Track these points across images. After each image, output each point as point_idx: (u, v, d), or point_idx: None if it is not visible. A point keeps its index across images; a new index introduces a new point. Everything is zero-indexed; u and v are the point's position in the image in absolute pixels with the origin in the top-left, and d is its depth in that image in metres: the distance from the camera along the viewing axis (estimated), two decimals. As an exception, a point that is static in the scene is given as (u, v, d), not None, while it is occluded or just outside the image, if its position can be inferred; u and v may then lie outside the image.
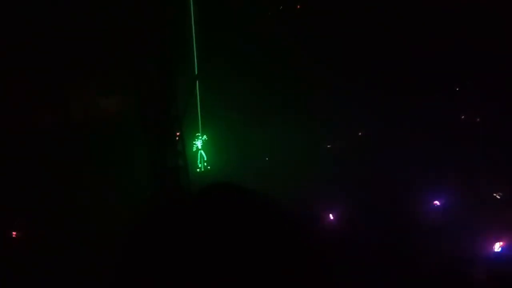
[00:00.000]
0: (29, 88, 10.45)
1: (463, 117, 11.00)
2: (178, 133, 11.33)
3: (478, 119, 10.78)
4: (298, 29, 11.31)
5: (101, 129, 10.82)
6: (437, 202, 10.07)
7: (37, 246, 9.67)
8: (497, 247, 9.25)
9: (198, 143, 11.43)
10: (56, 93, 10.74)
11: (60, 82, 10.66)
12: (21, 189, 9.84)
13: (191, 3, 10.96)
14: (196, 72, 11.12)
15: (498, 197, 9.92)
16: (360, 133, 11.72)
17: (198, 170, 11.40)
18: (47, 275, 8.91)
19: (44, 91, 10.60)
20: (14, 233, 9.99)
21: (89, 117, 10.95)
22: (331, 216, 10.44)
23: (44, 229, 9.99)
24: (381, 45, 10.86)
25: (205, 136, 11.45)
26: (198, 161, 11.39)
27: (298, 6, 11.72)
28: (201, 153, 11.43)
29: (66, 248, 9.49)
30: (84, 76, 10.84)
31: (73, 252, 9.39)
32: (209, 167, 11.41)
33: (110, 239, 9.63)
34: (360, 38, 10.95)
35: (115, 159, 10.70)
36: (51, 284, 8.89)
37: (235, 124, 11.28)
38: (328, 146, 11.54)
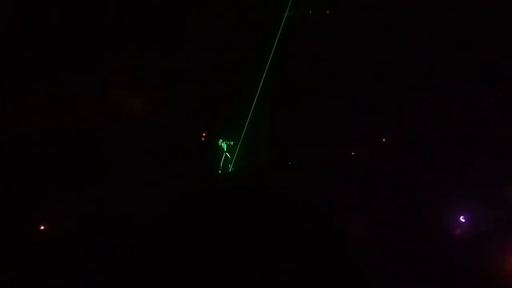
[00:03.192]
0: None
1: (491, 128, 10.84)
2: (204, 134, 11.45)
3: (506, 131, 10.63)
4: (325, 31, 11.35)
5: (125, 126, 10.95)
6: (463, 218, 9.95)
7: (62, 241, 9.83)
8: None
9: (224, 145, 11.49)
10: (87, 89, 10.87)
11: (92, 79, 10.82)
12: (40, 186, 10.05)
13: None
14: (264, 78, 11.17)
15: None
16: (384, 139, 11.64)
17: (220, 171, 11.48)
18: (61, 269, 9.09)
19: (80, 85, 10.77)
20: (32, 229, 10.08)
21: (116, 113, 11.07)
22: (352, 225, 10.41)
23: (61, 224, 10.14)
24: (412, 51, 10.85)
25: (231, 139, 11.50)
26: (222, 162, 11.45)
27: (328, 12, 11.70)
28: (226, 155, 11.49)
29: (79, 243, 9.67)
30: (111, 74, 10.97)
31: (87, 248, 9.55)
32: (233, 168, 11.46)
33: (129, 236, 9.80)
34: (389, 43, 10.95)
35: (138, 157, 10.82)
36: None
37: (261, 127, 11.35)
38: (353, 153, 11.49)
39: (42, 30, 10.53)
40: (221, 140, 11.48)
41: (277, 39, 11.14)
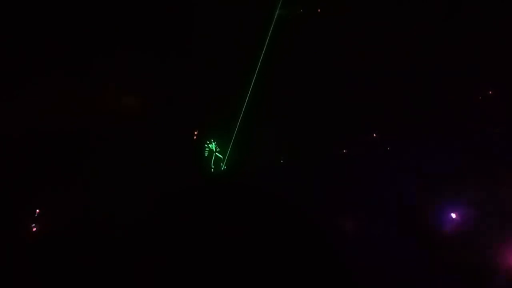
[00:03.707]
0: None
1: (482, 126, 10.92)
2: (196, 133, 11.45)
3: (498, 130, 10.70)
4: (316, 29, 11.39)
5: (117, 125, 10.92)
6: (453, 214, 10.00)
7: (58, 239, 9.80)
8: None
9: (214, 145, 11.49)
10: (80, 90, 10.83)
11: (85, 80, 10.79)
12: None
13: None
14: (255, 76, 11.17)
15: None
16: (374, 135, 11.66)
17: (212, 170, 11.48)
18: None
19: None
20: (32, 228, 10.05)
21: (107, 113, 11.04)
22: (343, 224, 10.44)
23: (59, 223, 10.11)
24: (406, 50, 10.91)
25: (223, 138, 11.51)
26: (212, 162, 11.46)
27: (319, 10, 11.74)
28: (216, 154, 11.49)
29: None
30: (107, 75, 10.95)
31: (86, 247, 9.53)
32: (225, 167, 11.47)
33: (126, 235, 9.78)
34: (383, 42, 11.01)
35: (130, 156, 10.80)
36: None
37: (253, 125, 11.36)
38: (344, 151, 11.53)
39: (42, 30, 10.51)
40: (212, 140, 11.49)
41: (268, 38, 11.15)
